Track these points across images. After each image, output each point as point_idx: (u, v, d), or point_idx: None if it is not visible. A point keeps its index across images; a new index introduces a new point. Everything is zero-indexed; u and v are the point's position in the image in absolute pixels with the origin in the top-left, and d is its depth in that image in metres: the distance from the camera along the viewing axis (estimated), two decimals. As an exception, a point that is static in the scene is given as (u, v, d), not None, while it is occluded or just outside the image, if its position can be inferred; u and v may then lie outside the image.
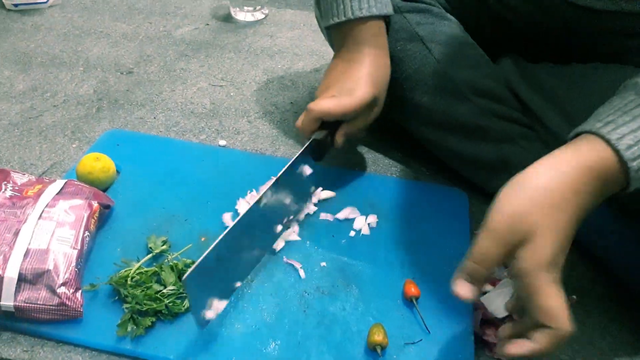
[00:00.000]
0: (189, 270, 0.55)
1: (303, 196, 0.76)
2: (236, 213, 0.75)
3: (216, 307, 0.61)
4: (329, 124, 0.74)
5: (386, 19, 0.76)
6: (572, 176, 0.48)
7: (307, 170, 0.73)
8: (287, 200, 0.71)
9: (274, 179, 0.78)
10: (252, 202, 0.64)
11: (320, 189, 0.78)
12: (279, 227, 0.71)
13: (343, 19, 0.73)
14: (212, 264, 0.58)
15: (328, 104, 0.70)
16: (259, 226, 0.66)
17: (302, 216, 0.75)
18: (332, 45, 0.95)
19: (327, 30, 0.79)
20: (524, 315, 0.50)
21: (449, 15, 0.83)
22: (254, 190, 0.78)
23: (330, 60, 0.78)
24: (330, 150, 0.77)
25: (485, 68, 0.80)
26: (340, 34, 0.76)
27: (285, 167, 0.68)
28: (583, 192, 0.48)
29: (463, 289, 0.51)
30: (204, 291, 0.59)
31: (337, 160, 0.86)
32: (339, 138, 0.75)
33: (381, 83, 0.74)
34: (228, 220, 0.74)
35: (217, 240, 0.58)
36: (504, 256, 0.49)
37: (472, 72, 0.78)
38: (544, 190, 0.48)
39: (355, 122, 0.74)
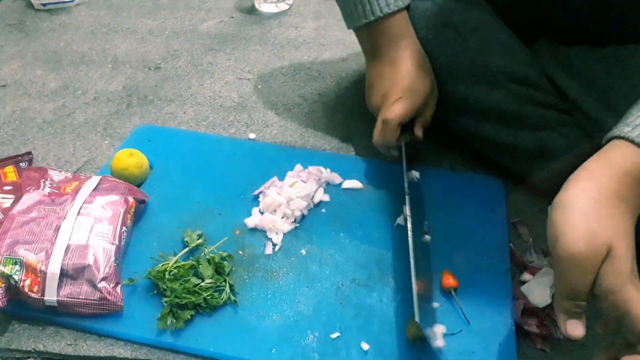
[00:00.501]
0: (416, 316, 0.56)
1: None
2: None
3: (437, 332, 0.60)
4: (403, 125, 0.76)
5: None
6: (613, 185, 0.48)
7: (416, 174, 0.79)
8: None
9: (298, 168, 0.79)
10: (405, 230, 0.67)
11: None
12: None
13: (372, 18, 0.74)
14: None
15: (401, 108, 0.73)
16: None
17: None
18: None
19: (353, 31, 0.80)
20: (617, 334, 0.48)
21: (481, 0, 0.81)
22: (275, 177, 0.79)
23: (366, 66, 0.80)
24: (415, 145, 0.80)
25: (520, 54, 0.78)
26: (369, 35, 0.77)
27: (406, 182, 0.72)
28: (629, 197, 0.48)
29: (576, 330, 0.49)
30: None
31: (370, 151, 0.85)
32: (419, 132, 0.77)
33: (429, 69, 0.77)
34: (256, 213, 0.73)
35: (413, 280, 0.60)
36: (593, 281, 0.46)
37: (507, 58, 0.76)
38: (594, 206, 0.47)
39: (425, 112, 0.77)
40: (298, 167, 0.79)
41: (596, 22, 0.78)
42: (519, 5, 0.84)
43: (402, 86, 0.74)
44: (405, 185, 0.72)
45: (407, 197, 0.70)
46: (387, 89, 0.75)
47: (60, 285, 0.61)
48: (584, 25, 0.80)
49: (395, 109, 0.73)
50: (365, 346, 0.59)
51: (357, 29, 0.78)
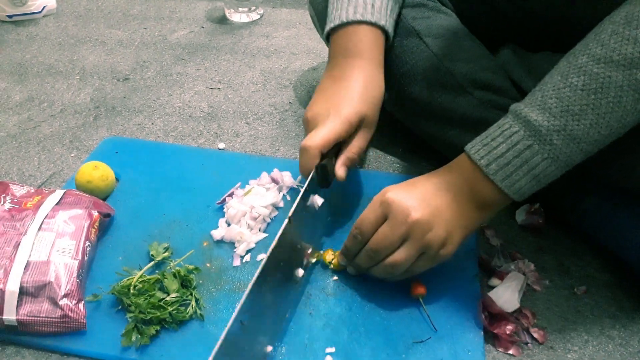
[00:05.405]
0: (213, 353, 0.48)
1: (319, 229, 0.71)
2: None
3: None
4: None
5: (386, 34, 0.73)
6: (450, 187, 0.60)
7: (319, 200, 0.67)
8: (304, 240, 0.66)
9: (264, 175, 0.78)
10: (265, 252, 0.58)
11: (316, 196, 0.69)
12: (301, 272, 0.64)
13: (337, 22, 0.71)
14: (236, 337, 0.51)
15: (322, 135, 0.65)
16: (278, 278, 0.59)
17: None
18: None
19: (326, 41, 0.77)
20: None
21: (444, 8, 0.82)
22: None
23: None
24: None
25: (484, 60, 0.78)
26: (333, 43, 0.74)
27: (295, 205, 0.61)
28: (465, 201, 0.60)
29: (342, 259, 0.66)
30: None
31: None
32: (340, 170, 0.67)
33: (372, 100, 0.69)
34: (222, 224, 0.72)
35: (235, 311, 0.50)
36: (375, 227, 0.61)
37: (471, 64, 0.77)
38: (421, 192, 0.60)
39: (352, 146, 0.68)
40: (264, 175, 0.79)
41: (559, 28, 0.79)
42: (483, 13, 0.85)
43: (330, 107, 0.67)
44: (291, 211, 0.60)
45: (285, 222, 0.59)
46: (318, 106, 0.69)
47: (19, 303, 0.59)
48: (548, 31, 0.82)
49: (315, 138, 0.64)
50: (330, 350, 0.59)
51: (329, 37, 0.75)
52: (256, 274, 0.54)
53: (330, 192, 0.69)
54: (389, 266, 0.59)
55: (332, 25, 0.72)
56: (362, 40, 0.71)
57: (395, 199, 0.58)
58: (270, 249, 0.56)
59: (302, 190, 0.64)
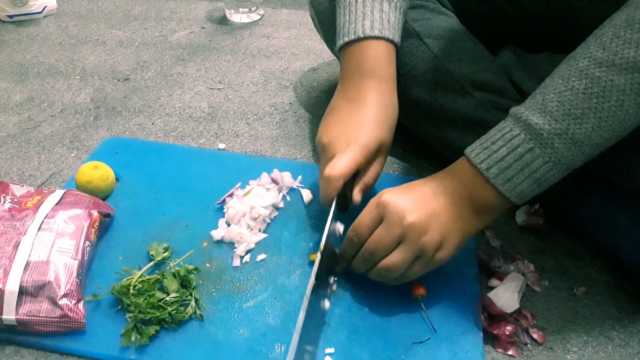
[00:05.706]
0: None
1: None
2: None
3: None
4: None
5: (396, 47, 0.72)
6: (447, 190, 0.60)
7: (340, 227, 0.68)
8: (328, 270, 0.65)
9: (265, 175, 0.78)
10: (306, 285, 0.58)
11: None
12: (327, 303, 0.64)
13: (353, 37, 0.69)
14: None
15: (344, 164, 0.64)
16: (310, 314, 0.58)
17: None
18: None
19: (339, 53, 0.74)
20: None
21: (444, 9, 0.82)
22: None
23: (334, 94, 0.73)
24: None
25: (484, 61, 0.78)
26: (347, 58, 0.71)
27: (325, 236, 0.62)
28: (462, 203, 0.60)
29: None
30: None
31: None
32: (357, 196, 0.68)
33: (388, 125, 0.69)
34: (222, 224, 0.72)
35: (292, 347, 0.52)
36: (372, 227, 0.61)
37: (471, 65, 0.77)
38: (419, 194, 0.60)
39: (370, 172, 0.69)
40: (264, 175, 0.79)
41: (559, 29, 0.79)
42: (484, 13, 0.85)
43: (347, 132, 0.67)
44: (322, 242, 0.61)
45: (318, 255, 0.60)
46: (336, 132, 0.68)
47: (19, 303, 0.59)
48: (548, 32, 0.82)
49: (337, 166, 0.64)
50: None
51: (341, 50, 0.72)
52: (301, 314, 0.54)
53: (347, 216, 0.68)
54: (384, 269, 0.59)
55: (346, 39, 0.70)
56: (378, 58, 0.69)
57: (391, 201, 0.58)
58: (309, 285, 0.57)
59: (329, 220, 0.64)
